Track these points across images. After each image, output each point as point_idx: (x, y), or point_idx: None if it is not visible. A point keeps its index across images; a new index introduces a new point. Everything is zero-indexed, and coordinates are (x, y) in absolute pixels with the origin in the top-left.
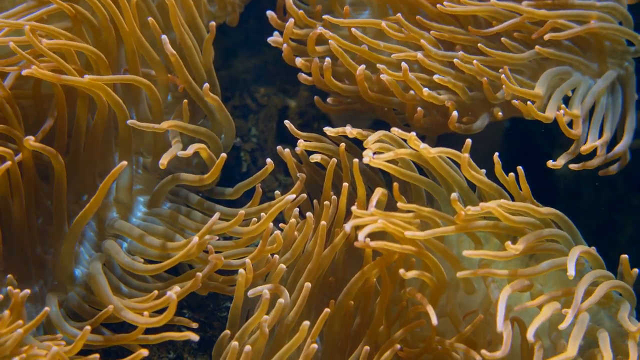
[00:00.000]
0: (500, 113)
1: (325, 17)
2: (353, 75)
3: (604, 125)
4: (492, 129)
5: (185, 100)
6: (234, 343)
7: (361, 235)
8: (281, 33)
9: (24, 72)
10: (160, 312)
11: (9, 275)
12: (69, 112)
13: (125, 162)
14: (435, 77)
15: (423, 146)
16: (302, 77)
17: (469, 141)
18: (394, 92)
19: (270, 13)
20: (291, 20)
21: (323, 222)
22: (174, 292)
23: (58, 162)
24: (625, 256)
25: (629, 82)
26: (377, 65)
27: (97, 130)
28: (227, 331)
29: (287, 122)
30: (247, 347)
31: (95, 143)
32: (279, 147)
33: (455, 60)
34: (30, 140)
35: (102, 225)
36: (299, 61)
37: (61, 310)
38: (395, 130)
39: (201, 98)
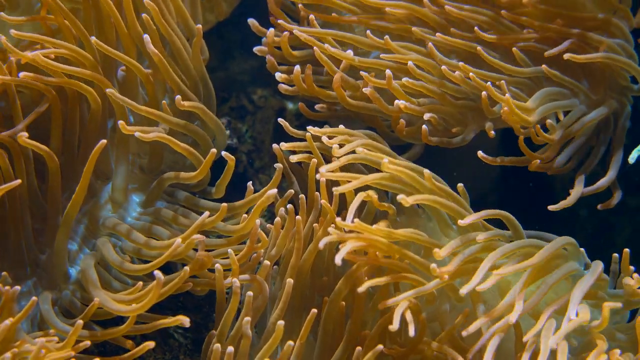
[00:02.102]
0: (492, 132)
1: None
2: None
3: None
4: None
5: (164, 102)
6: (216, 345)
7: (338, 257)
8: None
9: (31, 55)
10: (152, 309)
11: (3, 273)
12: (61, 111)
13: (104, 141)
14: (404, 80)
15: (400, 196)
16: (283, 87)
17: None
18: (377, 105)
19: (251, 21)
20: (271, 29)
21: (298, 217)
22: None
23: (52, 161)
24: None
25: (622, 117)
26: (361, 72)
27: (91, 130)
28: (214, 331)
29: (281, 120)
30: (230, 349)
31: (90, 142)
32: (274, 145)
33: (443, 67)
34: (24, 137)
35: (96, 224)
36: (279, 76)
37: (55, 308)
38: (367, 153)
39: (189, 98)
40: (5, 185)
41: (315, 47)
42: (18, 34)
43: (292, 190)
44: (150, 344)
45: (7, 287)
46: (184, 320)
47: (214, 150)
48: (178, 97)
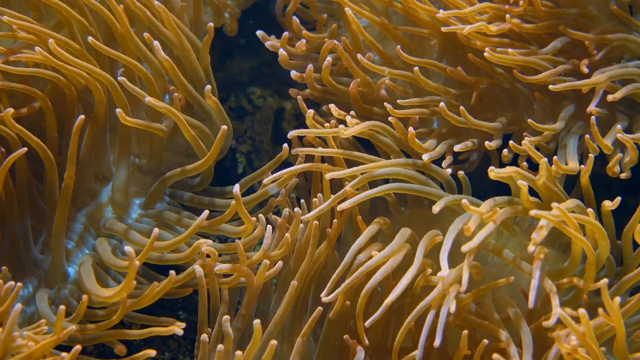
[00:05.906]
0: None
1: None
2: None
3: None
4: None
5: (176, 95)
6: (203, 336)
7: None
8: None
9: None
10: (147, 309)
11: (3, 267)
12: (57, 111)
13: (82, 116)
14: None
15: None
16: (294, 91)
17: None
18: (397, 130)
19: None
20: (299, 44)
21: (316, 223)
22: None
23: (47, 158)
24: None
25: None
26: (398, 101)
27: (93, 128)
28: (208, 329)
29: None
30: (220, 347)
31: (90, 142)
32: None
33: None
34: (9, 113)
35: (97, 225)
36: (293, 74)
37: (52, 307)
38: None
39: (197, 100)
40: (12, 155)
41: (338, 49)
42: (20, 35)
43: (297, 180)
44: (151, 353)
45: (0, 281)
46: (177, 331)
47: (224, 127)
48: (208, 87)
